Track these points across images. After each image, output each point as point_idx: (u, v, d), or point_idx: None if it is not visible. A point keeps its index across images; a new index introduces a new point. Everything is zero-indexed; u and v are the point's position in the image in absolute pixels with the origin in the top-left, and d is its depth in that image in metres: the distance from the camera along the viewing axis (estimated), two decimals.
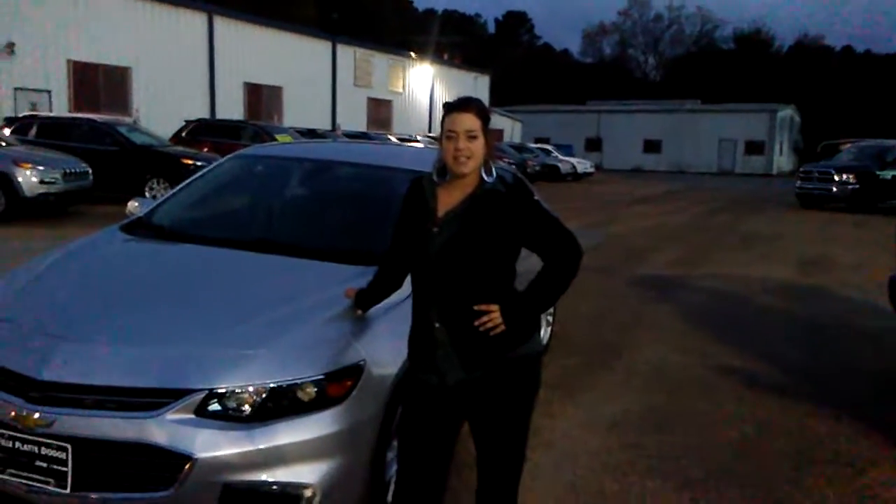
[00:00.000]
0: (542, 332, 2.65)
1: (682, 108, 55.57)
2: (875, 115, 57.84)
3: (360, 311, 2.89)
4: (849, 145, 25.87)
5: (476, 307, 2.38)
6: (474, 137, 2.39)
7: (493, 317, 2.36)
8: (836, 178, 20.79)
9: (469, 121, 2.40)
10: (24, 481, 2.50)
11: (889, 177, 20.23)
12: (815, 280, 9.83)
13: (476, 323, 2.38)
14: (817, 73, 65.81)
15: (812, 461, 4.08)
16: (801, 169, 23.28)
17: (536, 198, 2.51)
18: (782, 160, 53.94)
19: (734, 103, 55.66)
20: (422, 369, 2.51)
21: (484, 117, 2.43)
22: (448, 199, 2.47)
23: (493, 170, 2.45)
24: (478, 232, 2.41)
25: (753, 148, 52.00)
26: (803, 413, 4.80)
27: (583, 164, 35.29)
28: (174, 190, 4.39)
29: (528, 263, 2.57)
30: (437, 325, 2.44)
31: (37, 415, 2.47)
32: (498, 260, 2.45)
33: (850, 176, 20.62)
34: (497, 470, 2.54)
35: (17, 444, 2.51)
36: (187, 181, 4.43)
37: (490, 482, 2.56)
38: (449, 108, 2.45)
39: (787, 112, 54.42)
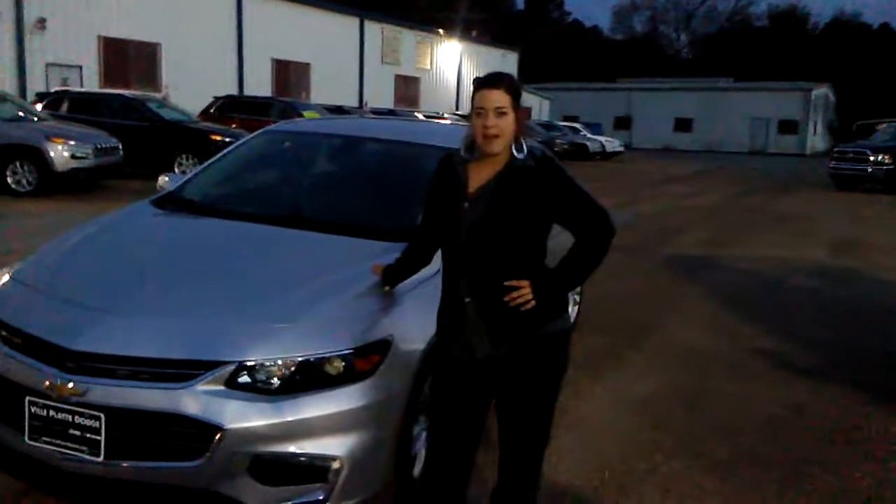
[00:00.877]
0: (569, 311, 2.63)
1: (715, 86, 54.65)
2: None
3: (387, 287, 2.89)
4: (885, 125, 25.29)
5: (507, 283, 2.37)
6: (504, 114, 2.36)
7: (523, 292, 2.35)
8: (872, 158, 20.36)
9: (499, 97, 2.37)
10: (58, 449, 2.55)
11: None
12: (848, 262, 9.67)
13: (506, 298, 2.37)
14: (853, 52, 64.24)
15: (843, 444, 4.03)
16: (836, 149, 22.82)
17: (569, 174, 2.47)
18: (816, 140, 52.95)
19: (767, 81, 54.62)
20: (451, 344, 2.51)
21: (514, 93, 2.39)
22: (479, 176, 2.45)
23: (524, 146, 2.42)
24: (508, 208, 2.40)
25: (787, 127, 51.08)
26: (835, 395, 4.74)
27: (612, 143, 34.90)
28: (204, 165, 4.41)
29: (559, 241, 2.55)
30: (466, 300, 2.45)
31: (71, 384, 2.51)
32: (528, 236, 2.43)
33: (886, 156, 20.17)
34: (520, 447, 2.55)
35: (52, 413, 2.55)
36: (217, 156, 4.45)
37: (513, 460, 2.56)
38: (478, 83, 2.43)
39: (821, 91, 53.33)
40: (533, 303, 2.36)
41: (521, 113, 2.43)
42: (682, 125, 53.72)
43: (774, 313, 6.79)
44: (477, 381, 2.51)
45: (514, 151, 2.41)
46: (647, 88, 55.65)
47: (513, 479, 2.60)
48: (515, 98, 2.40)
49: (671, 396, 4.59)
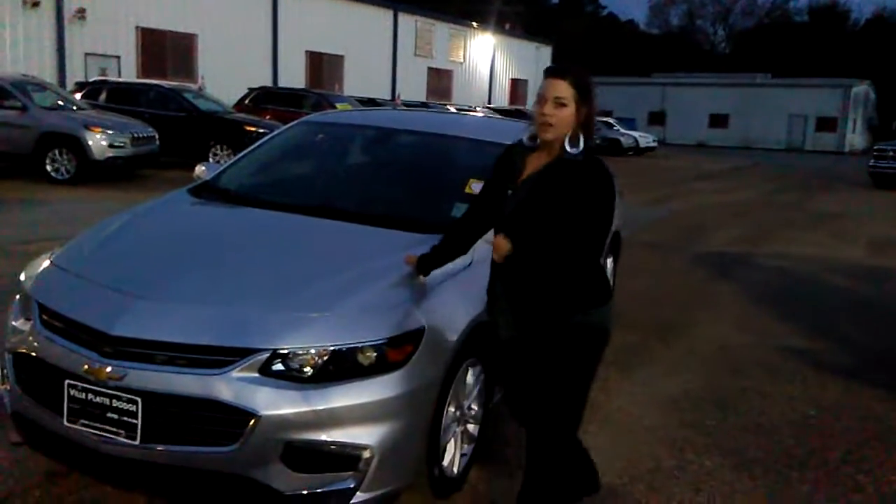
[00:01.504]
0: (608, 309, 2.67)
1: (752, 82, 53.72)
2: None
3: (421, 277, 2.93)
4: None
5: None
6: (563, 105, 2.43)
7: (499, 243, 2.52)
8: None
9: (560, 87, 2.44)
10: (96, 432, 2.60)
11: None
12: (886, 262, 9.49)
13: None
14: (894, 49, 62.78)
15: (876, 445, 3.97)
16: (876, 147, 22.35)
17: (610, 190, 2.50)
18: (855, 137, 51.88)
19: (806, 78, 53.60)
20: (494, 322, 2.74)
21: (580, 88, 2.46)
22: (533, 165, 2.56)
23: (581, 143, 2.46)
24: (544, 199, 2.46)
25: (825, 124, 50.10)
26: (869, 397, 4.66)
27: (645, 139, 34.57)
28: (240, 155, 4.46)
29: None
30: (498, 285, 2.62)
31: (109, 368, 2.56)
32: (560, 229, 2.45)
33: None
34: (539, 432, 2.66)
35: (90, 396, 2.60)
36: (253, 146, 4.50)
37: (533, 445, 2.69)
38: (546, 72, 2.54)
39: (861, 88, 52.21)
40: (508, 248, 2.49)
41: (588, 109, 2.47)
42: (718, 121, 52.93)
43: (808, 313, 6.69)
44: (508, 357, 2.71)
45: (568, 146, 2.46)
46: (683, 83, 54.90)
47: (532, 466, 2.71)
48: (581, 93, 2.46)
49: (702, 394, 4.55)
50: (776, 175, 25.30)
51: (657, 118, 53.36)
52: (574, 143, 2.46)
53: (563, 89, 2.44)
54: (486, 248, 3.38)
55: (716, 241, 10.45)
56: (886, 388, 4.82)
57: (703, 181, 21.28)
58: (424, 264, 2.92)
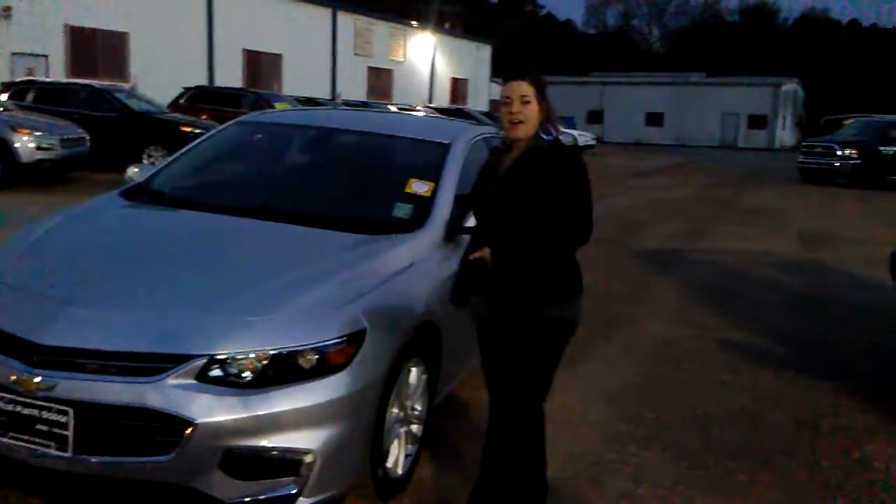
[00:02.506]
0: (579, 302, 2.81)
1: (686, 80, 55.04)
2: (879, 91, 57.39)
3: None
4: (852, 120, 25.73)
5: (470, 257, 2.73)
6: (527, 102, 2.63)
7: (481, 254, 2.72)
8: (839, 152, 20.69)
9: (523, 87, 2.64)
10: (25, 444, 2.50)
11: (891, 152, 20.14)
12: (816, 255, 9.83)
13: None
14: (822, 47, 65.18)
15: (809, 433, 4.10)
16: (804, 143, 23.17)
17: (582, 168, 2.68)
18: (785, 134, 53.63)
19: (738, 76, 55.19)
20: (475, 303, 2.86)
21: (538, 85, 2.67)
22: (508, 160, 2.74)
23: (552, 132, 2.69)
24: (519, 186, 2.64)
25: (756, 122, 51.67)
26: (802, 386, 4.82)
27: (584, 137, 35.02)
28: (174, 156, 4.35)
29: None
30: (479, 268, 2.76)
31: (38, 378, 2.47)
32: (535, 215, 2.59)
33: (853, 151, 20.52)
34: (498, 418, 2.80)
35: (19, 408, 2.51)
36: (188, 147, 4.39)
37: (493, 430, 2.84)
38: (505, 76, 2.71)
39: (790, 86, 54.01)
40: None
41: (547, 103, 2.70)
42: (654, 119, 54.08)
43: (743, 305, 6.89)
44: (485, 337, 2.86)
45: (542, 134, 2.68)
46: (620, 83, 55.95)
47: (492, 446, 2.84)
48: (539, 89, 2.68)
49: (643, 388, 4.64)
50: (711, 172, 25.97)
51: (595, 117, 54.21)
52: (547, 131, 2.70)
53: (526, 88, 2.64)
54: (427, 249, 3.39)
55: (654, 237, 10.68)
56: (818, 377, 5.00)
57: (642, 178, 21.71)
58: (460, 296, 2.93)
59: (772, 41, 67.94)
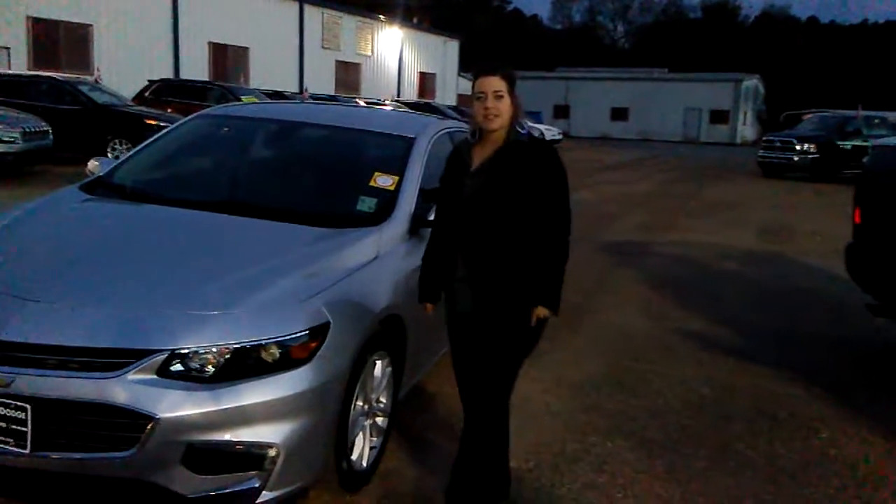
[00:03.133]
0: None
1: (650, 76, 55.61)
2: (838, 86, 58.56)
3: (429, 305, 3.04)
4: (810, 115, 26.24)
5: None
6: (501, 97, 2.71)
7: (541, 314, 2.77)
8: (798, 147, 21.10)
9: (496, 82, 2.72)
10: None
11: (849, 146, 20.57)
12: (775, 247, 10.03)
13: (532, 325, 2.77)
14: (782, 44, 66.31)
15: (766, 421, 4.20)
16: (764, 138, 23.56)
17: (559, 162, 2.82)
18: (746, 129, 54.43)
19: (700, 72, 55.87)
20: (449, 298, 2.94)
21: (510, 80, 2.76)
22: (480, 155, 2.80)
23: (525, 126, 2.78)
24: (503, 180, 2.71)
25: (718, 117, 52.37)
26: (760, 375, 4.92)
27: (551, 132, 35.16)
28: (135, 149, 4.30)
29: None
30: (460, 262, 2.81)
31: None
32: (520, 209, 2.69)
33: (812, 145, 20.94)
34: (476, 402, 2.87)
35: None
36: (149, 140, 4.34)
37: (469, 422, 2.89)
38: (477, 72, 2.78)
39: (751, 82, 54.81)
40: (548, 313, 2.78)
41: (517, 98, 2.78)
42: (619, 114, 54.56)
43: (704, 297, 7.01)
44: (462, 332, 2.91)
45: (518, 129, 2.76)
46: (585, 78, 56.30)
47: (466, 437, 2.89)
48: (511, 84, 2.76)
49: (606, 378, 4.71)
50: (674, 166, 26.29)
51: (562, 111, 54.53)
52: (521, 126, 2.78)
53: (499, 83, 2.72)
54: (391, 243, 3.40)
55: (619, 230, 10.80)
56: (776, 366, 5.11)
57: (607, 172, 21.90)
58: (427, 295, 3.02)
59: (733, 38, 68.93)
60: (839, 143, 20.83)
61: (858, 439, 4.02)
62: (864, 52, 64.56)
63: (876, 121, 22.41)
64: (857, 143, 20.20)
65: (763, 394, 4.61)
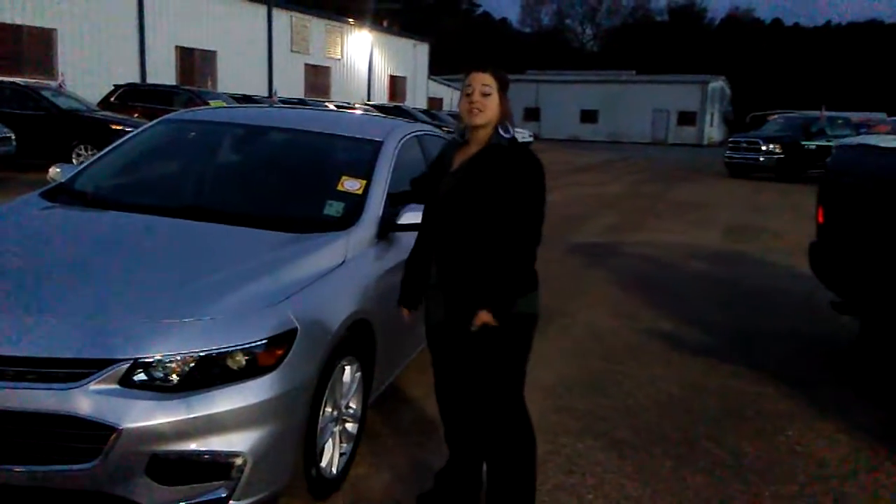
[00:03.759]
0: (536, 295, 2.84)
1: (618, 78, 56.12)
2: (802, 87, 59.61)
3: (406, 311, 3.01)
4: (776, 116, 26.67)
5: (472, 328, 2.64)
6: (488, 95, 2.67)
7: (483, 319, 2.62)
8: (764, 147, 21.45)
9: (484, 78, 2.68)
10: None
11: (813, 147, 20.94)
12: (741, 246, 10.16)
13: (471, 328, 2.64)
14: (747, 46, 67.29)
15: (734, 419, 4.24)
16: (731, 139, 23.91)
17: (538, 172, 2.70)
18: (713, 130, 55.16)
19: (668, 74, 56.52)
20: (425, 308, 2.91)
21: (500, 80, 2.71)
22: (463, 155, 2.76)
23: (510, 130, 2.70)
24: (476, 183, 2.65)
25: (686, 118, 53.00)
26: (727, 374, 4.98)
27: (521, 134, 35.20)
28: (98, 155, 4.24)
29: None
30: (432, 267, 2.78)
31: None
32: (492, 214, 2.62)
33: (777, 146, 21.30)
34: (482, 416, 2.82)
35: None
36: (111, 147, 4.27)
37: (487, 433, 2.83)
38: (468, 67, 2.74)
39: (717, 84, 55.56)
40: (494, 322, 2.62)
41: (507, 101, 2.73)
42: (588, 116, 55.00)
43: (673, 296, 7.08)
44: (438, 343, 2.90)
45: (501, 131, 2.69)
46: (555, 80, 56.70)
47: (492, 459, 2.85)
48: (501, 84, 2.71)
49: (575, 379, 4.73)
50: (643, 167, 26.54)
51: (532, 114, 54.80)
52: (506, 129, 2.70)
53: (488, 80, 2.68)
54: (359, 247, 3.38)
55: (589, 231, 10.87)
56: (742, 364, 5.17)
57: (577, 174, 22.04)
58: (406, 299, 2.99)
59: (699, 40, 69.85)
60: (804, 143, 21.21)
61: (824, 436, 4.08)
62: (827, 54, 65.77)
63: (839, 121, 22.87)
64: (822, 143, 20.61)
65: (730, 392, 4.67)
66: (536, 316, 2.81)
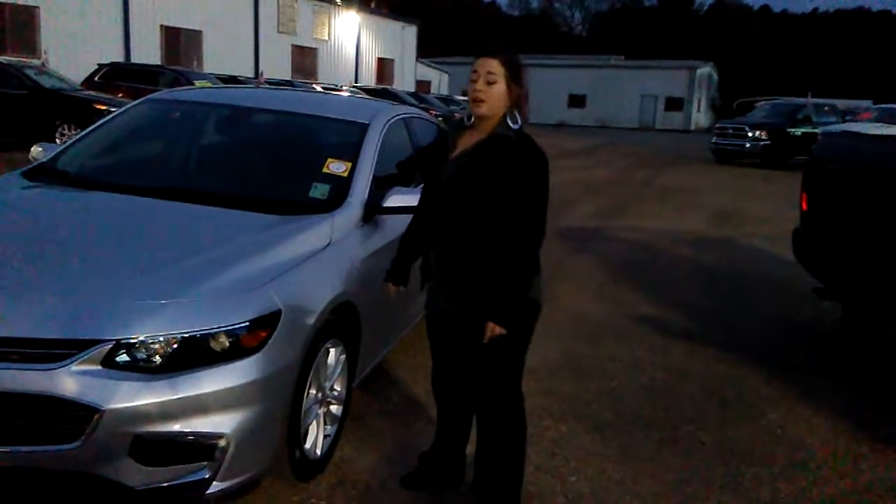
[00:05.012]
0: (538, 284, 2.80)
1: (606, 63, 56.07)
2: (789, 74, 59.86)
3: (392, 286, 2.96)
4: (762, 103, 26.74)
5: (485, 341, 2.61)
6: (493, 82, 2.55)
7: (494, 331, 2.59)
8: (750, 134, 21.49)
9: (491, 65, 2.56)
10: None
11: (799, 133, 21.03)
12: (726, 232, 10.22)
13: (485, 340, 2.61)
14: (735, 32, 67.45)
15: (716, 403, 4.29)
16: (717, 125, 23.95)
17: (542, 166, 2.62)
18: (700, 116, 55.27)
19: (656, 60, 56.51)
20: (426, 295, 2.90)
21: (510, 67, 2.57)
22: (467, 141, 2.66)
23: (518, 120, 2.59)
24: (476, 172, 2.57)
25: (673, 104, 53.05)
26: (710, 358, 5.02)
27: None
28: (80, 134, 4.19)
29: None
30: (432, 255, 2.75)
31: None
32: (492, 204, 2.55)
33: (763, 132, 21.35)
34: (482, 404, 2.82)
35: None
36: (94, 126, 4.23)
37: (480, 417, 2.86)
38: (478, 52, 2.62)
39: (705, 70, 55.61)
40: (502, 329, 2.58)
41: (517, 88, 2.59)
42: (576, 101, 54.95)
43: (657, 281, 7.12)
44: (439, 331, 2.88)
45: (509, 122, 2.58)
46: (543, 65, 56.52)
47: (483, 442, 2.85)
48: (511, 72, 2.57)
49: (560, 363, 4.75)
50: (630, 152, 26.56)
51: None
52: (514, 120, 2.60)
53: (494, 66, 2.55)
54: (344, 230, 3.37)
55: (576, 216, 10.89)
56: (725, 349, 5.22)
57: (565, 159, 22.02)
58: (394, 275, 2.94)
59: (688, 26, 69.91)
60: (790, 130, 21.29)
61: (804, 420, 4.13)
62: (814, 41, 66.00)
63: (825, 108, 22.97)
64: (807, 130, 20.69)
65: (713, 376, 4.71)
66: (539, 304, 2.77)
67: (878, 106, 24.40)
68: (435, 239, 2.75)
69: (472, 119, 2.67)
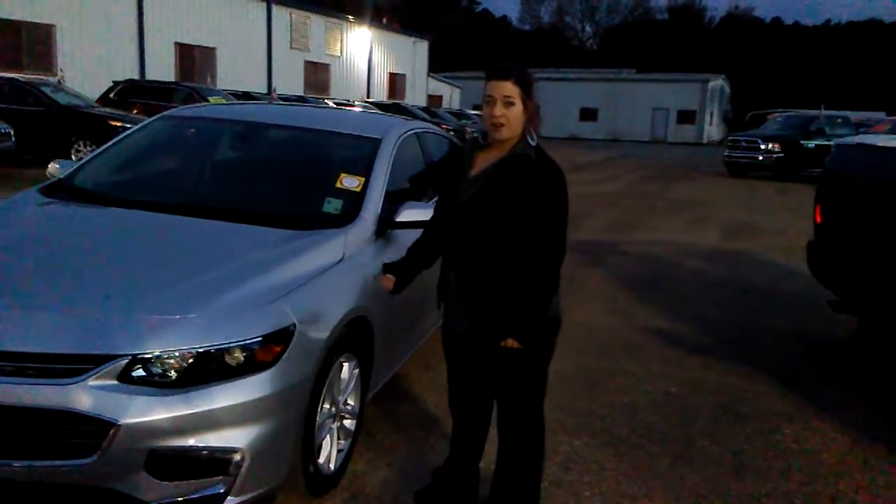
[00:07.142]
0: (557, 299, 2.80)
1: (618, 77, 56.14)
2: (801, 86, 59.63)
3: (391, 277, 2.95)
4: (775, 115, 26.67)
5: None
6: (511, 104, 2.52)
7: (511, 345, 2.59)
8: (763, 146, 21.42)
9: (507, 87, 2.51)
10: None
11: (812, 146, 20.93)
12: (739, 245, 10.17)
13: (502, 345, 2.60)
14: (747, 45, 67.32)
15: (731, 418, 4.26)
16: (730, 138, 23.89)
17: (562, 186, 2.62)
18: (712, 129, 55.14)
19: (667, 73, 56.49)
20: (444, 315, 2.88)
21: (524, 85, 2.54)
22: (484, 160, 2.63)
23: (535, 137, 2.58)
24: (497, 192, 2.54)
25: (685, 117, 52.98)
26: (724, 372, 4.99)
27: None
28: (97, 151, 4.24)
29: None
30: (451, 276, 2.72)
31: None
32: (512, 224, 2.54)
33: (776, 145, 21.27)
34: (505, 424, 2.82)
35: None
36: (110, 143, 4.28)
37: (502, 438, 2.87)
38: (489, 74, 2.57)
39: (717, 82, 55.55)
40: (518, 345, 2.59)
41: (532, 104, 2.56)
42: (588, 115, 54.98)
43: (670, 295, 7.09)
44: (459, 352, 2.86)
45: (529, 140, 2.56)
46: (555, 78, 56.66)
47: (503, 458, 2.88)
48: (525, 89, 2.54)
49: (573, 377, 4.74)
50: (642, 165, 26.54)
51: None
52: (532, 137, 2.59)
53: (510, 89, 2.51)
54: (357, 244, 3.39)
55: (588, 229, 10.88)
56: (740, 363, 5.18)
57: (577, 172, 22.02)
58: (395, 268, 2.94)
59: (699, 39, 69.87)
60: (803, 142, 21.20)
61: (821, 434, 4.09)
62: (826, 53, 65.81)
63: (839, 120, 22.85)
64: (821, 142, 20.59)
65: (727, 390, 4.68)
66: (559, 319, 2.77)
67: (892, 118, 24.28)
68: (455, 259, 2.73)
69: (488, 137, 2.66)
